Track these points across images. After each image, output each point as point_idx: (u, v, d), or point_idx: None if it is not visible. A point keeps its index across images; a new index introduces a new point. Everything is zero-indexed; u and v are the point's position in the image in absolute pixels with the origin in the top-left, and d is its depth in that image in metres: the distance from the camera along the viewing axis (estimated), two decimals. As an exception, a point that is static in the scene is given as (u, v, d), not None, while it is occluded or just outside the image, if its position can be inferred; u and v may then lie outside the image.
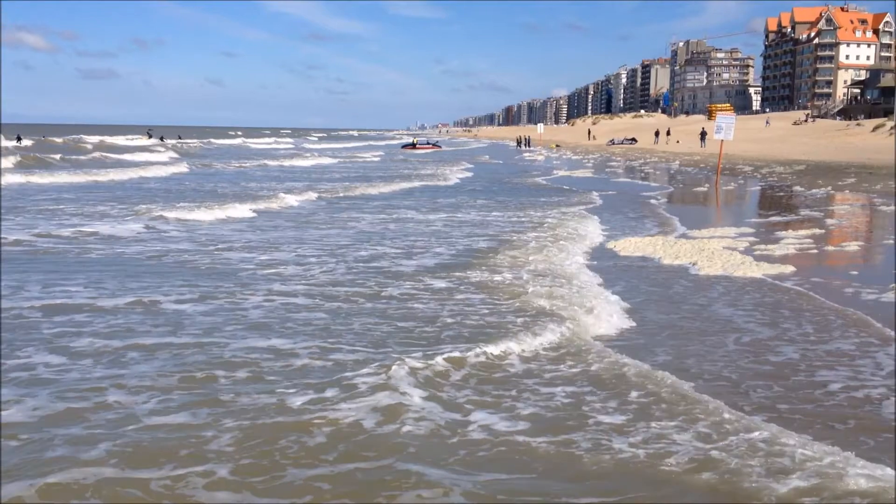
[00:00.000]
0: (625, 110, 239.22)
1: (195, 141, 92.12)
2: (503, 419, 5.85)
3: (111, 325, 8.34)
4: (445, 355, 7.14)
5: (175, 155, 56.77)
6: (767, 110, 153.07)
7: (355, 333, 8.12)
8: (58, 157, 44.88)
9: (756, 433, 5.47)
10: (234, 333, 8.04)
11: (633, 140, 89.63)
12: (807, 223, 18.10)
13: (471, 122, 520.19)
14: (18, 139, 61.92)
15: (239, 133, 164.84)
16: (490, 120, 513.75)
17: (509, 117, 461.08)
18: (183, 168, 41.56)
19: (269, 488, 4.80)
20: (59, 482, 4.74)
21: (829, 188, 28.45)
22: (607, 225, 18.16)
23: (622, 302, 9.73)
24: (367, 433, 5.53)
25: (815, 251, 14.18)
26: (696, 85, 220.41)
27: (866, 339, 8.25)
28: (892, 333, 8.35)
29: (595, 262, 12.88)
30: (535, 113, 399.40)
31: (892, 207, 21.53)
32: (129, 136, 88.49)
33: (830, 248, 14.57)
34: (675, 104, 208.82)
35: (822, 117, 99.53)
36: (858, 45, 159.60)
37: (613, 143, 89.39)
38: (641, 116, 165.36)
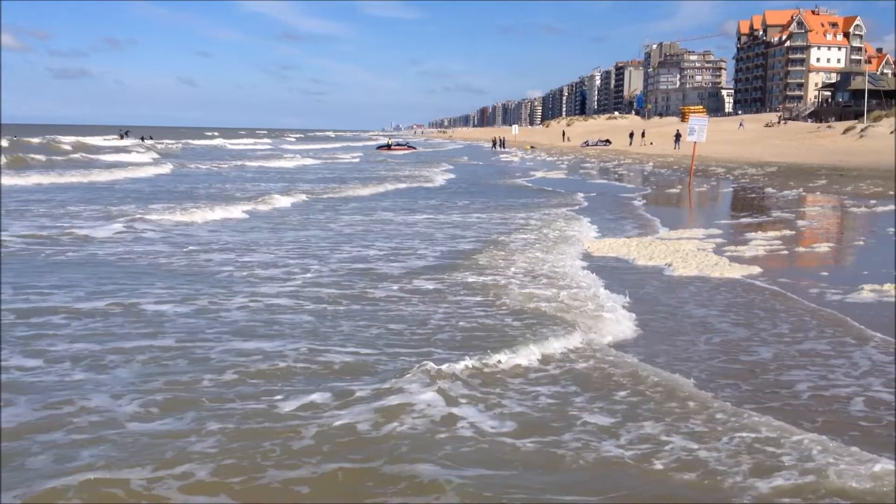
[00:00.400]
0: (599, 112, 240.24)
1: (173, 142, 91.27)
2: (490, 418, 5.91)
3: (139, 334, 8.32)
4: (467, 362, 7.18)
5: (157, 156, 56.34)
6: (740, 112, 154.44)
7: (393, 335, 8.17)
8: (42, 157, 44.44)
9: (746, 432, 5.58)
10: (254, 331, 8.04)
11: (608, 141, 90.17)
12: (778, 224, 18.33)
13: (446, 124, 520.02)
14: None
15: (216, 134, 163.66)
16: (465, 121, 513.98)
17: (484, 118, 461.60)
18: (167, 169, 41.20)
19: (247, 489, 4.84)
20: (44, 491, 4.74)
21: (801, 190, 28.82)
22: (596, 226, 18.35)
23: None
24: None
25: (786, 252, 14.37)
26: (670, 87, 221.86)
27: (842, 338, 8.39)
28: (869, 333, 8.50)
29: (573, 264, 12.96)
30: (509, 114, 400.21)
31: (863, 209, 21.86)
32: (106, 137, 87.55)
33: (801, 248, 14.78)
34: (649, 106, 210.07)
35: (794, 119, 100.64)
36: (829, 48, 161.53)
37: (588, 145, 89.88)
38: (615, 118, 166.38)
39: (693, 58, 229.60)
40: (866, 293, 10.41)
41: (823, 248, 15.00)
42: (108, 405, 6.06)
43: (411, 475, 4.99)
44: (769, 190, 29.44)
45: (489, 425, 5.81)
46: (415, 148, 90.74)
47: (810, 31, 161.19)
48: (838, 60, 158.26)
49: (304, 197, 25.16)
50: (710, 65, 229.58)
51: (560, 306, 9.39)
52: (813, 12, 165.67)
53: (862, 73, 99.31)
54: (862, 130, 62.46)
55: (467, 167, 51.92)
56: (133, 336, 8.02)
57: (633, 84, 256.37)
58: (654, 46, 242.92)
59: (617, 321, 8.87)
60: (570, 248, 14.46)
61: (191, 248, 14.25)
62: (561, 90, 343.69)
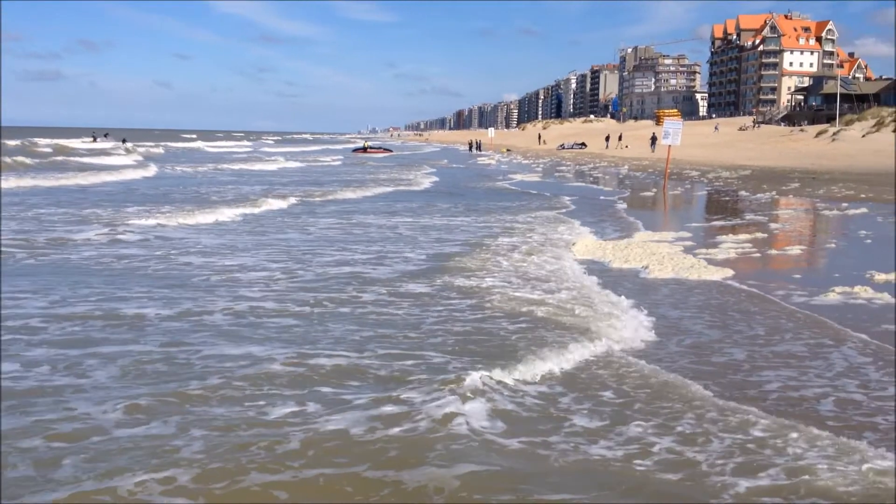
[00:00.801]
0: (575, 115, 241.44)
1: (152, 144, 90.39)
2: (482, 416, 5.98)
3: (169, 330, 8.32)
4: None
5: (140, 158, 55.91)
6: (714, 116, 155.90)
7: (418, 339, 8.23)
8: (29, 161, 44.05)
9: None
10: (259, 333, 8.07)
11: (583, 145, 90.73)
12: (752, 227, 18.54)
13: (422, 126, 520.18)
14: None
15: (194, 136, 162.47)
16: (441, 124, 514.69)
17: (460, 121, 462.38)
18: (151, 172, 40.90)
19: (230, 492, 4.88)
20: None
21: (774, 193, 29.17)
22: (588, 227, 18.60)
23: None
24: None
25: (759, 255, 14.55)
26: (645, 90, 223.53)
27: (820, 339, 8.54)
28: (847, 332, 8.67)
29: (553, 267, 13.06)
30: (486, 117, 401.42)
31: (835, 212, 22.18)
32: (84, 139, 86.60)
33: (774, 251, 15.00)
34: (624, 109, 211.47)
35: (767, 123, 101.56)
36: (802, 52, 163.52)
37: (564, 148, 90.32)
38: (591, 121, 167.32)
39: (668, 61, 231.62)
40: (834, 295, 10.59)
41: (796, 250, 15.22)
42: (93, 411, 6.08)
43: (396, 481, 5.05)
44: (743, 193, 29.77)
45: (480, 425, 5.87)
46: (391, 151, 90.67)
47: (783, 35, 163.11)
48: (811, 65, 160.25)
49: (294, 200, 25.08)
50: (685, 68, 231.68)
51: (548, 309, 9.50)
52: (786, 17, 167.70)
53: (834, 78, 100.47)
54: (834, 134, 63.22)
55: (448, 170, 52.01)
56: (203, 340, 8.02)
57: (609, 88, 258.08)
58: (629, 50, 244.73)
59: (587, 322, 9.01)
60: (559, 252, 14.56)
61: (196, 249, 14.37)
62: (537, 93, 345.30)
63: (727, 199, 28.43)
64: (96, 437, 5.59)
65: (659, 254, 13.96)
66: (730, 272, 12.34)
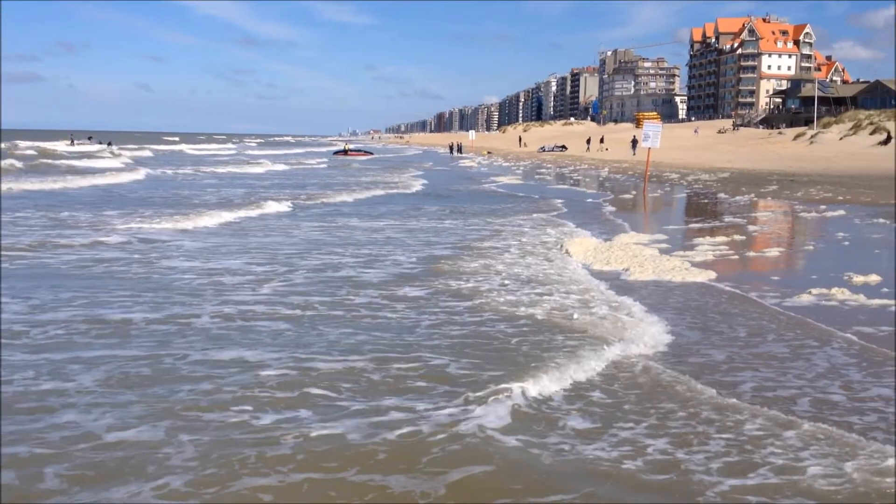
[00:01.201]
0: (555, 118, 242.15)
1: (136, 146, 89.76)
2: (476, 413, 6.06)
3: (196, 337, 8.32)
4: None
5: (128, 161, 55.55)
6: (693, 118, 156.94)
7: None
8: (20, 164, 43.82)
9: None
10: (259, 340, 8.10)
11: (564, 147, 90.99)
12: (730, 229, 18.69)
13: (403, 129, 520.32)
14: None
15: (177, 139, 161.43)
16: (422, 126, 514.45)
17: (441, 124, 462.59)
18: (142, 175, 40.70)
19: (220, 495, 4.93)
20: None
21: (752, 195, 29.42)
22: (581, 228, 18.82)
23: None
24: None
25: (737, 257, 14.70)
26: (625, 93, 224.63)
27: (804, 340, 8.67)
28: (830, 332, 8.82)
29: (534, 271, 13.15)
30: (466, 120, 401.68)
31: (813, 214, 22.43)
32: (66, 142, 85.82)
33: (753, 253, 15.16)
34: (604, 112, 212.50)
35: (746, 126, 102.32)
36: (780, 55, 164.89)
37: (544, 150, 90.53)
38: (571, 124, 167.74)
39: (647, 65, 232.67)
40: (807, 297, 10.75)
41: (774, 252, 15.38)
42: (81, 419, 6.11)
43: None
44: (722, 195, 30.01)
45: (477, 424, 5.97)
46: (372, 154, 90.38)
47: (761, 38, 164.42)
48: (789, 68, 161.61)
49: (289, 203, 25.08)
50: (664, 72, 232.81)
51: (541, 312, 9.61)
52: (764, 20, 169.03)
53: (812, 81, 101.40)
54: (812, 137, 63.86)
55: (434, 172, 52.13)
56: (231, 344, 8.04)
57: (589, 90, 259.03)
58: (609, 53, 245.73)
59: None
60: (555, 253, 14.67)
61: (224, 251, 14.73)
62: (517, 96, 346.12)
63: (706, 201, 28.64)
64: (83, 444, 5.63)
65: (640, 256, 14.04)
66: (713, 274, 12.49)
